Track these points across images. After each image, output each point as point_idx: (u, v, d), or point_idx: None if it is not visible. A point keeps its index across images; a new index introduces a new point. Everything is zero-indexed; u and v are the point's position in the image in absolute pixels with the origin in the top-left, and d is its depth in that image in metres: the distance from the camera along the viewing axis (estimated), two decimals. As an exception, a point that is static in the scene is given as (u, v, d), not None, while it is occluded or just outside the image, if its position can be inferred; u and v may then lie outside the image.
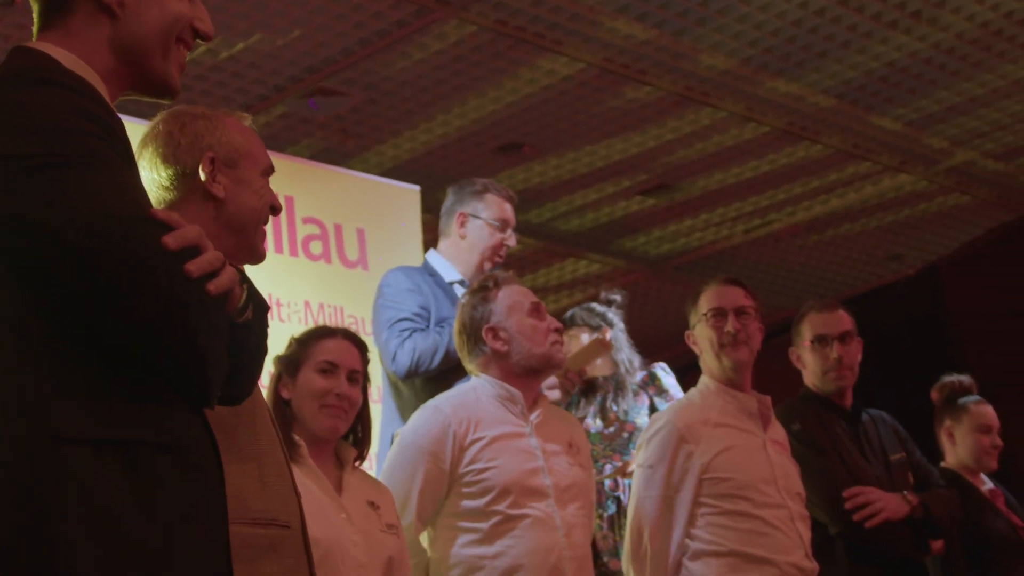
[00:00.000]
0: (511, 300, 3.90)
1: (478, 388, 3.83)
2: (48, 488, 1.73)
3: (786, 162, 8.17)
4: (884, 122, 7.65)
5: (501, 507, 3.63)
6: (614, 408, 5.05)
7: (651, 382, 5.17)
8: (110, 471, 1.77)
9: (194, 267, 1.85)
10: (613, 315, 5.23)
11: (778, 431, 4.11)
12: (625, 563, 3.95)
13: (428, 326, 4.78)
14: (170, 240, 1.84)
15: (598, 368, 5.19)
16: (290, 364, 3.48)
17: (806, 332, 4.56)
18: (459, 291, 4.97)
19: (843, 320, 4.58)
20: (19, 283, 1.82)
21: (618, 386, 5.10)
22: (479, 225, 4.93)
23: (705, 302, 4.20)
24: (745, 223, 9.17)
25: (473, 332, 3.86)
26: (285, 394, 3.46)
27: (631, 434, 4.93)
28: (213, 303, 1.87)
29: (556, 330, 3.89)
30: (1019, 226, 8.97)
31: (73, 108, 1.88)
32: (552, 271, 9.89)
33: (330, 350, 3.48)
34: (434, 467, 3.66)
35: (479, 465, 3.66)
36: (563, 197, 8.50)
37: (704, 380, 4.13)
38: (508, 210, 4.99)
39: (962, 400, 5.21)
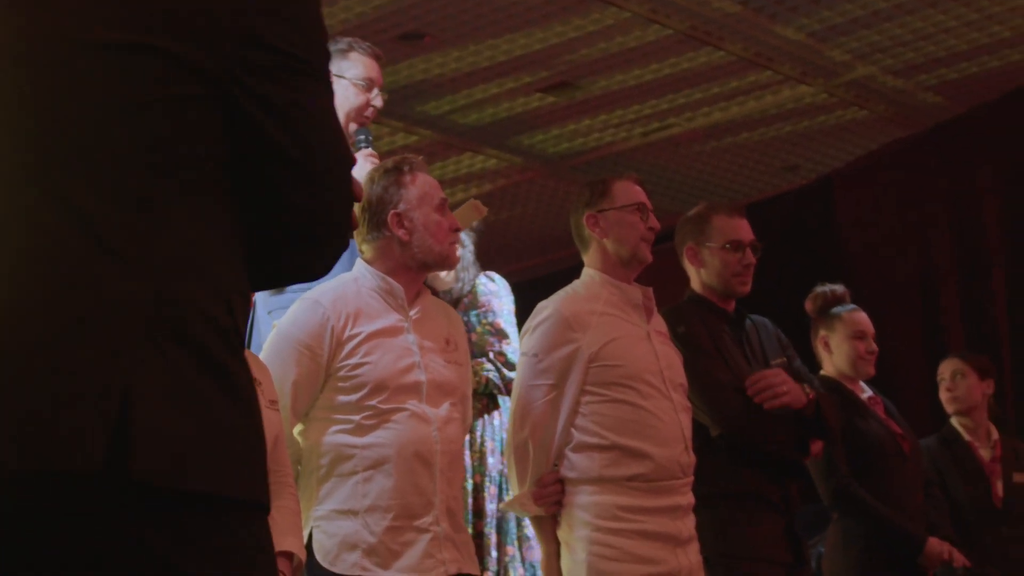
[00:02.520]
0: (423, 191, 3.81)
1: (359, 280, 3.78)
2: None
3: (687, 67, 8.14)
4: (787, 32, 7.64)
5: (374, 402, 3.62)
6: None
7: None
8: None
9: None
10: (464, 235, 5.21)
11: (659, 322, 4.11)
12: (507, 451, 3.93)
13: None
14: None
15: (439, 281, 5.20)
16: None
17: (717, 235, 4.52)
18: None
19: (750, 227, 4.60)
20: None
21: (453, 303, 5.12)
22: (344, 85, 4.80)
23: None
24: (644, 126, 9.16)
25: (377, 213, 3.79)
26: None
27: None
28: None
29: (455, 230, 3.84)
30: (912, 143, 9.05)
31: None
32: (448, 165, 9.82)
33: None
34: (311, 362, 3.63)
35: (355, 360, 3.64)
36: (463, 90, 8.42)
37: (588, 272, 4.10)
38: (374, 68, 4.83)
39: (835, 309, 5.25)
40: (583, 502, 3.79)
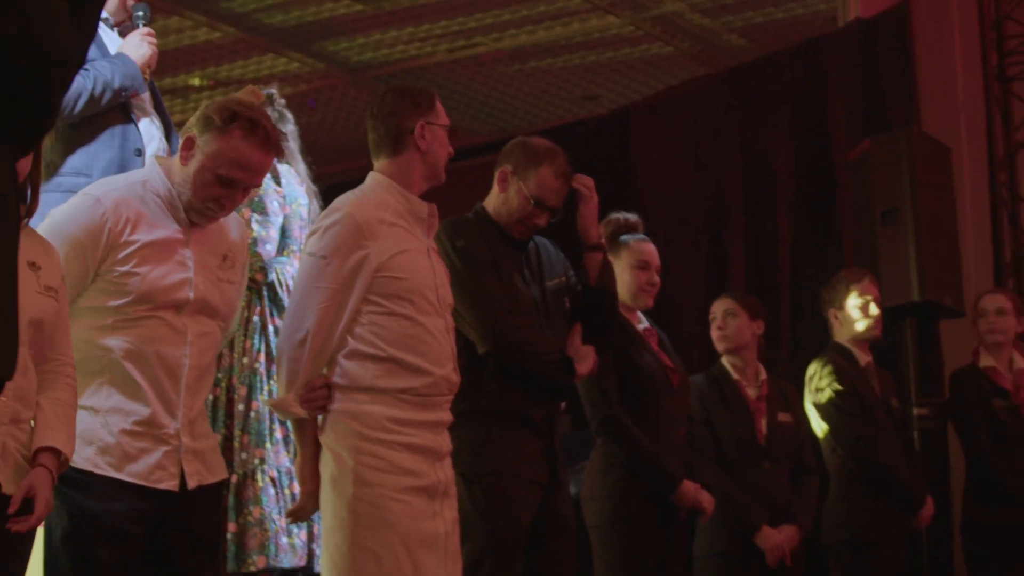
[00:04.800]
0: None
1: (148, 184, 3.69)
2: None
3: (498, -14, 8.12)
4: (599, -40, 7.66)
5: (134, 309, 3.56)
6: None
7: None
8: None
9: None
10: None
11: (431, 242, 4.10)
12: (280, 350, 3.87)
13: None
14: None
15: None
16: None
17: (535, 183, 4.47)
18: (105, 29, 4.80)
19: (565, 195, 4.61)
20: None
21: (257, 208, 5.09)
22: None
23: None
24: (450, 42, 9.12)
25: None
26: None
27: None
28: None
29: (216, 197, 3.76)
30: (712, 81, 9.14)
31: None
32: (249, 64, 9.65)
33: None
34: (81, 260, 3.53)
35: (126, 268, 3.56)
36: (269, -11, 8.28)
37: (377, 177, 4.02)
38: None
39: (624, 237, 5.30)
40: (352, 410, 3.77)
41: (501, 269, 4.42)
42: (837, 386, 6.01)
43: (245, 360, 4.98)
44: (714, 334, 5.89)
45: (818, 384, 6.07)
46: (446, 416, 3.92)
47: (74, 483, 3.44)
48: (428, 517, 3.78)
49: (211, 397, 4.78)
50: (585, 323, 4.62)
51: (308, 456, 3.85)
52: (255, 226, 5.04)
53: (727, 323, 5.84)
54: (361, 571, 3.69)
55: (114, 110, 4.68)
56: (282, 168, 5.26)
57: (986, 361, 6.50)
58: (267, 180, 5.01)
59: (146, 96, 4.84)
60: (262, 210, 5.10)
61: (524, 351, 4.36)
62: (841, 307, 6.19)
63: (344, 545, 3.71)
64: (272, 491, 4.88)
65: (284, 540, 4.85)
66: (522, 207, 4.49)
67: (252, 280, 4.81)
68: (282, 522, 4.84)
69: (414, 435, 3.79)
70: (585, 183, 4.61)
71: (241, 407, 4.94)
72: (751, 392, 5.82)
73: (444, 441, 3.91)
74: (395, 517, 3.71)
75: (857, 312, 6.14)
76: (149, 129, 4.79)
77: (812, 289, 6.88)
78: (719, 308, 5.90)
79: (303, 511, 3.94)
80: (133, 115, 4.74)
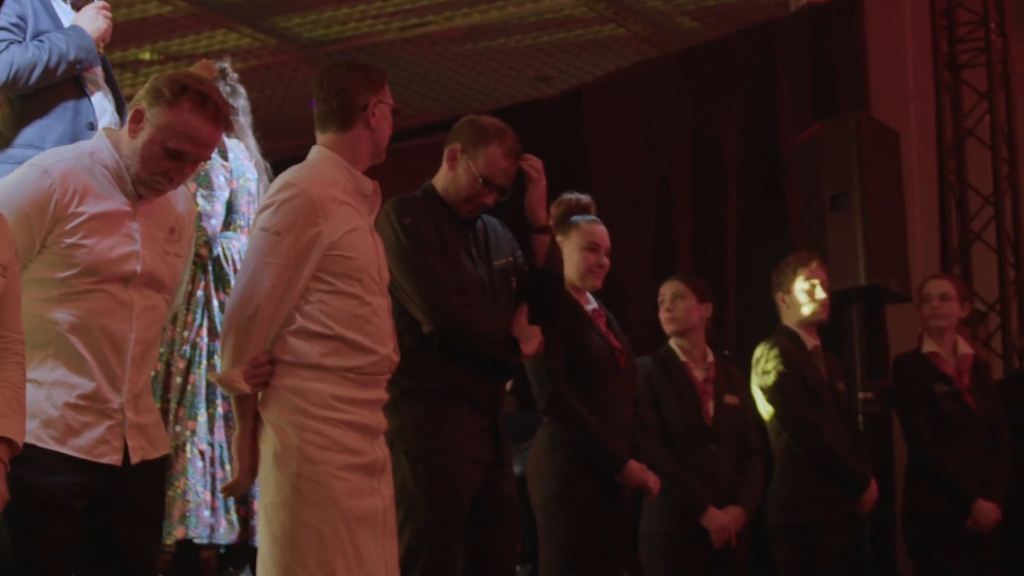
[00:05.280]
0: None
1: (96, 155, 3.65)
2: None
3: (451, -35, 8.10)
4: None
5: (80, 282, 3.53)
6: None
7: None
8: None
9: None
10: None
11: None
12: (227, 325, 3.84)
13: (25, 39, 4.57)
14: None
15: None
16: None
17: (484, 162, 4.46)
18: (58, 1, 4.77)
19: (514, 174, 4.60)
20: None
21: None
22: None
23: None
24: (402, 20, 9.09)
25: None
26: None
27: None
28: None
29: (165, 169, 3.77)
30: (664, 63, 9.15)
31: None
32: (201, 39, 9.59)
33: None
34: (27, 232, 3.50)
35: (72, 240, 3.52)
36: (221, -37, 8.22)
37: (324, 152, 3.98)
38: None
39: (575, 218, 5.30)
40: (297, 386, 3.76)
41: (448, 248, 4.41)
42: (783, 369, 6.04)
43: (186, 334, 4.96)
44: (662, 316, 5.91)
45: (764, 367, 6.10)
46: (384, 394, 3.94)
47: (16, 456, 3.42)
48: (367, 494, 3.79)
49: (152, 371, 4.77)
50: (531, 304, 4.62)
51: (247, 432, 3.83)
52: (200, 200, 5.02)
53: (676, 305, 5.86)
54: (304, 549, 3.68)
55: (67, 83, 4.66)
56: (231, 143, 5.24)
57: (929, 347, 6.54)
58: (214, 154, 4.98)
59: (98, 70, 4.82)
60: (208, 184, 5.08)
61: (470, 330, 4.35)
62: (788, 291, 6.22)
63: (288, 522, 3.70)
64: (200, 464, 4.89)
65: (206, 513, 4.86)
66: (470, 185, 4.48)
67: (197, 255, 4.78)
68: (206, 495, 4.85)
69: (355, 413, 3.80)
70: (534, 164, 4.61)
71: (179, 380, 4.94)
72: (699, 374, 5.84)
73: (381, 419, 3.93)
74: (338, 495, 3.71)
75: (804, 296, 6.17)
76: (102, 103, 4.78)
77: (760, 272, 6.90)
78: (668, 290, 5.91)
79: (239, 486, 3.92)
80: (86, 88, 4.73)
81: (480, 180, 4.46)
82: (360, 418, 3.81)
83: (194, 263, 4.88)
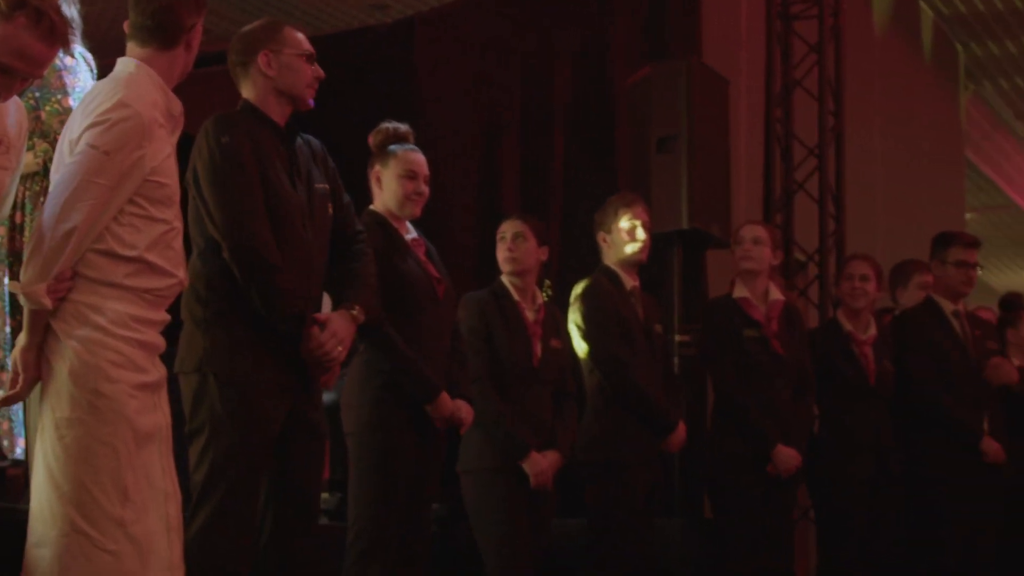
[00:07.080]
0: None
1: None
2: None
3: None
4: None
5: None
6: None
7: None
8: None
9: None
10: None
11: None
12: (42, 233, 3.71)
13: None
14: None
15: None
16: None
17: (290, 48, 4.39)
18: None
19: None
20: None
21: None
22: None
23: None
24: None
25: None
26: None
27: None
28: None
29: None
30: (500, -2, 9.11)
31: None
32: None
33: None
34: None
35: None
36: None
37: (144, 68, 3.87)
38: None
39: (392, 147, 5.23)
40: (96, 304, 3.68)
41: (267, 168, 4.32)
42: (599, 306, 6.06)
43: None
44: (501, 254, 5.87)
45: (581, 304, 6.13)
46: (166, 316, 3.89)
47: None
48: (152, 411, 3.78)
49: None
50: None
51: (34, 345, 3.73)
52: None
53: (517, 245, 5.83)
54: (100, 465, 3.62)
55: None
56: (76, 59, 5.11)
57: (740, 291, 6.59)
58: (86, 72, 4.90)
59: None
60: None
61: (265, 287, 4.24)
62: (610, 230, 6.23)
63: (85, 438, 3.63)
64: None
65: None
66: (296, 69, 4.44)
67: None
68: None
69: (147, 333, 3.78)
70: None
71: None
72: (529, 315, 5.83)
73: (162, 339, 3.89)
74: (131, 412, 3.68)
75: (625, 235, 6.19)
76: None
77: (584, 212, 6.91)
78: (509, 229, 5.88)
79: (18, 397, 3.82)
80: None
81: (304, 58, 4.44)
82: (150, 338, 3.79)
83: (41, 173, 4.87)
